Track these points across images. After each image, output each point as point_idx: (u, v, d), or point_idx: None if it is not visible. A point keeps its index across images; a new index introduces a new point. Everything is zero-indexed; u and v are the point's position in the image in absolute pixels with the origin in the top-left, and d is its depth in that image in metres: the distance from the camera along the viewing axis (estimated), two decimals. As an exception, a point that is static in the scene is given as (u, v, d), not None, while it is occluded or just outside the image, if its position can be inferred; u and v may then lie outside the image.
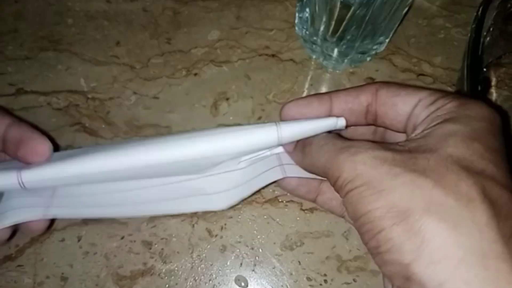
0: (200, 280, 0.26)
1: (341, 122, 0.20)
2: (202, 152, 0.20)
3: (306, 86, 0.32)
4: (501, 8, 0.27)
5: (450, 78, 0.32)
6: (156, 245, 0.27)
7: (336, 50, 0.30)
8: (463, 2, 0.36)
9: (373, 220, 0.15)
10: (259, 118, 0.31)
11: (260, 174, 0.22)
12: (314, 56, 0.33)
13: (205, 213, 0.28)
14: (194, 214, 0.28)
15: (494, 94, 0.31)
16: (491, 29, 0.28)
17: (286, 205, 0.28)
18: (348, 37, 0.29)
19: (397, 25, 0.31)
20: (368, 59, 0.32)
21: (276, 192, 0.28)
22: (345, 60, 0.31)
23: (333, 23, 0.28)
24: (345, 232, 0.27)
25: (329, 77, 0.32)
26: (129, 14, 0.35)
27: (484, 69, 0.32)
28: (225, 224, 0.27)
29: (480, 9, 0.26)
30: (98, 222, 0.27)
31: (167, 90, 0.32)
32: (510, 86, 0.32)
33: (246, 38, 0.34)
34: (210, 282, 0.26)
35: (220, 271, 0.26)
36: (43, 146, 0.22)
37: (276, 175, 0.22)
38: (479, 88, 0.28)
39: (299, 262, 0.27)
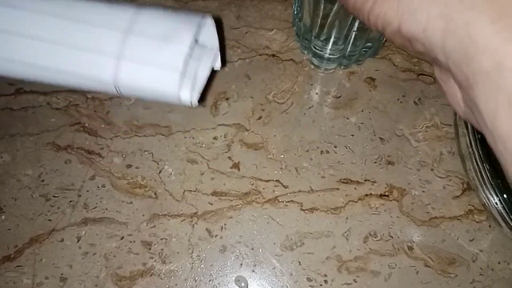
0: (200, 280, 0.26)
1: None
2: None
3: (306, 86, 0.32)
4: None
5: (451, 78, 0.32)
6: (155, 245, 0.27)
7: (327, 50, 0.30)
8: (464, 2, 0.36)
9: None
10: (259, 118, 0.31)
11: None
12: (305, 52, 0.33)
13: (205, 213, 0.28)
14: (194, 214, 0.28)
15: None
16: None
17: (286, 205, 0.28)
18: (336, 36, 0.28)
19: None
20: (359, 62, 0.32)
21: (276, 192, 0.28)
22: (336, 60, 0.31)
23: (318, 19, 0.28)
24: (345, 232, 0.27)
25: (329, 77, 0.32)
26: (129, 14, 0.35)
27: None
28: (225, 224, 0.27)
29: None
30: (97, 222, 0.27)
31: (167, 90, 0.32)
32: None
33: (246, 38, 0.34)
34: (210, 282, 0.26)
35: (220, 272, 0.26)
36: None
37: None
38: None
39: (299, 262, 0.26)
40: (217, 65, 0.25)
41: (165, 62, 0.21)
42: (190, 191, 0.28)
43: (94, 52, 0.21)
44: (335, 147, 0.30)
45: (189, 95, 0.22)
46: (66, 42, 0.21)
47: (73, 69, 0.21)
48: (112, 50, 0.20)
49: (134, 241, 0.27)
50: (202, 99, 0.24)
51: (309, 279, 0.26)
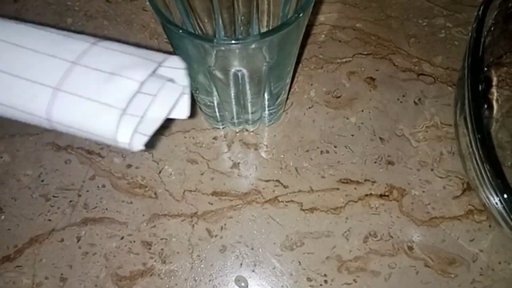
0: (200, 280, 0.26)
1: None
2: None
3: (306, 86, 0.32)
4: (502, 8, 0.27)
5: (451, 78, 0.32)
6: (155, 245, 0.27)
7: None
8: (464, 2, 0.36)
9: None
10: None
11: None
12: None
13: (205, 213, 0.28)
14: (194, 214, 0.28)
15: (495, 94, 0.31)
16: (492, 28, 0.28)
17: (286, 205, 0.28)
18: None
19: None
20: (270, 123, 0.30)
21: (276, 192, 0.28)
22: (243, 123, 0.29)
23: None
24: (345, 232, 0.27)
25: (329, 77, 0.32)
26: (129, 14, 0.35)
27: (485, 69, 0.31)
28: (225, 224, 0.27)
29: (481, 9, 0.26)
30: (97, 222, 0.27)
31: (167, 90, 0.32)
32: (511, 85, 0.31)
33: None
34: (210, 282, 0.26)
35: (220, 272, 0.26)
36: None
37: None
38: (480, 88, 0.28)
39: (299, 262, 0.26)
40: (183, 112, 0.19)
41: (106, 97, 0.17)
42: (190, 191, 0.28)
43: (33, 81, 0.18)
44: (335, 147, 0.30)
45: (128, 137, 0.18)
46: (7, 68, 0.18)
47: (8, 98, 0.18)
48: (53, 80, 0.18)
49: (134, 241, 0.27)
50: (151, 144, 0.20)
51: (309, 279, 0.26)
